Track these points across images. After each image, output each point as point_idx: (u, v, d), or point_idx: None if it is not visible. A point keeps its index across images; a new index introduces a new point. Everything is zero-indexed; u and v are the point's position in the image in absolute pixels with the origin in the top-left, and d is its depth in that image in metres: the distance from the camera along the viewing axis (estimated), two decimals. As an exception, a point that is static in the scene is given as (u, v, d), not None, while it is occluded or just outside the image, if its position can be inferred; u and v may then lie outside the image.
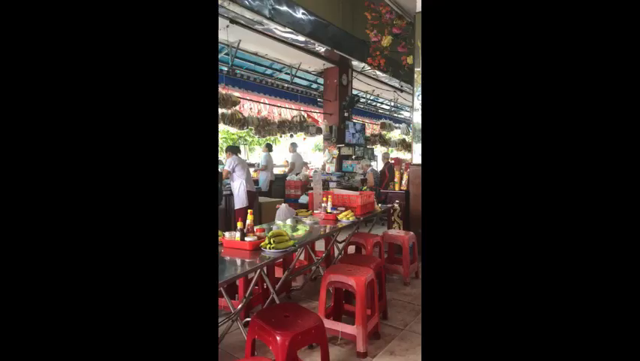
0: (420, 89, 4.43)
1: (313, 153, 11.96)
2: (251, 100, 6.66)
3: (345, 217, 3.08)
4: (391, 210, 4.39)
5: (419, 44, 4.40)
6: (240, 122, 6.22)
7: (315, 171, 5.47)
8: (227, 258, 1.97)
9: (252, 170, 5.69)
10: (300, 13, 5.16)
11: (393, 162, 6.20)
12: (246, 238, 2.11)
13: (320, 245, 3.70)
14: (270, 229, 2.36)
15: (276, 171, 6.91)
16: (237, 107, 6.15)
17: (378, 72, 7.38)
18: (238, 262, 1.95)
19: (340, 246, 3.46)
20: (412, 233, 3.63)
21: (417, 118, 4.48)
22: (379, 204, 3.94)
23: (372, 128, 10.45)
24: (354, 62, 7.18)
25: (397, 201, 4.51)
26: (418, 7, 4.41)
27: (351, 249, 3.61)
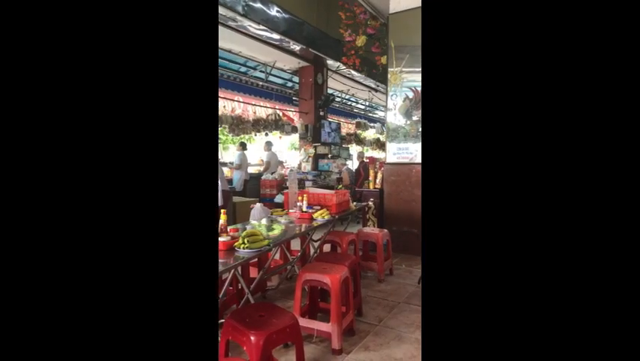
0: (393, 88, 4.51)
1: (289, 151, 11.90)
2: (225, 98, 6.54)
3: (321, 216, 3.09)
4: (366, 208, 4.45)
5: (392, 45, 4.47)
6: (214, 120, 6.10)
7: (291, 170, 5.46)
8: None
9: (225, 169, 5.59)
10: (274, 11, 5.12)
11: (367, 160, 6.27)
12: (219, 238, 2.08)
13: (295, 244, 3.69)
14: (244, 229, 2.34)
15: (251, 170, 6.82)
16: (211, 105, 6.02)
17: (353, 72, 7.44)
18: (211, 262, 1.91)
19: (316, 245, 3.47)
20: (385, 230, 3.69)
21: (390, 118, 4.56)
22: (354, 203, 3.98)
23: (347, 127, 10.54)
24: (330, 61, 7.20)
25: (372, 199, 4.57)
26: (391, 9, 4.49)
27: (327, 247, 3.63)
